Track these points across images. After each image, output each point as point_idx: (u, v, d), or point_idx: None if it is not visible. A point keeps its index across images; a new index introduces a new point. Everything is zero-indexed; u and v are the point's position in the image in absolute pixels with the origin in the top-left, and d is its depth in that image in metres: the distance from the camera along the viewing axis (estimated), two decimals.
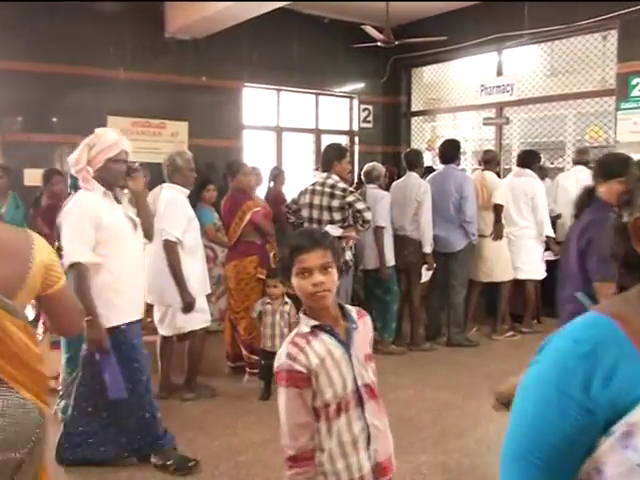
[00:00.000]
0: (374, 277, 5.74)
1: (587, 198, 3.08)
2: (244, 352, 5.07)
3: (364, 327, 2.02)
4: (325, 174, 5.10)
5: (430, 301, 6.20)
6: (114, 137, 3.38)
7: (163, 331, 4.61)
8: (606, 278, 2.51)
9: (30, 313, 4.34)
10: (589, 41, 7.39)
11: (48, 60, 6.75)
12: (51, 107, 6.90)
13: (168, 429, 3.69)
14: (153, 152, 7.48)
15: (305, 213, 5.12)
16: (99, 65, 7.06)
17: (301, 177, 8.13)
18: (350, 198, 4.90)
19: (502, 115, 8.22)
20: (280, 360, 1.89)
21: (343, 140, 9.27)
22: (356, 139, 9.38)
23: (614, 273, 1.10)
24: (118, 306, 3.34)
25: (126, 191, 3.68)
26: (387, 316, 5.78)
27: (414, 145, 9.39)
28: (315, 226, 5.05)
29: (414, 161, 5.92)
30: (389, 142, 9.54)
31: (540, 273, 6.37)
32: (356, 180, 7.73)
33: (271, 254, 5.20)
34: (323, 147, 8.70)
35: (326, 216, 4.99)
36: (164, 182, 6.00)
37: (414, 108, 9.57)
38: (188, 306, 4.37)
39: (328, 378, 1.87)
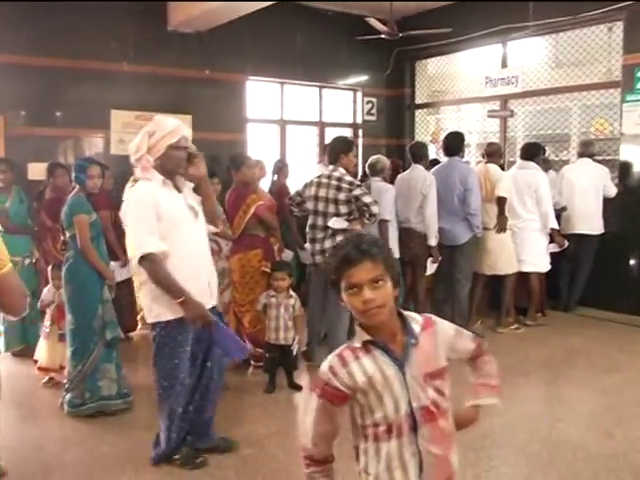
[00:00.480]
0: None
1: None
2: (249, 345, 5.06)
3: (429, 340, 1.81)
4: (331, 167, 5.08)
5: (435, 294, 6.19)
6: (174, 123, 3.31)
7: None
8: None
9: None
10: (594, 33, 7.34)
11: (51, 54, 6.73)
12: (54, 101, 6.89)
13: None
14: None
15: (310, 205, 5.11)
16: (102, 59, 7.03)
17: (305, 170, 8.10)
18: (357, 191, 4.89)
19: (507, 107, 8.19)
20: (322, 369, 1.78)
21: (347, 133, 9.25)
22: (360, 132, 9.34)
23: None
24: None
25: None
26: None
27: (418, 138, 9.35)
28: (320, 219, 5.04)
29: (419, 153, 5.91)
30: (393, 135, 9.51)
31: (544, 266, 6.36)
32: (360, 173, 7.71)
33: (275, 247, 5.20)
34: (327, 140, 8.72)
35: (332, 209, 4.98)
36: None
37: (418, 101, 9.53)
38: None
39: (378, 398, 1.74)
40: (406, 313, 1.83)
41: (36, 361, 4.80)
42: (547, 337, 6.10)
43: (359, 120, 9.32)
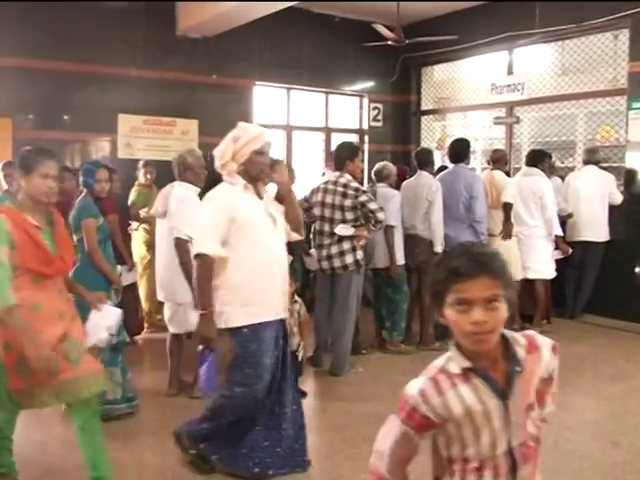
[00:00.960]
0: (384, 276, 5.73)
1: None
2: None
3: (533, 366, 1.60)
4: (337, 173, 5.09)
5: None
6: (258, 130, 3.30)
7: (173, 329, 4.61)
8: None
9: None
10: (600, 40, 7.35)
11: (59, 58, 6.80)
12: (62, 105, 6.94)
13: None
14: (164, 150, 7.52)
15: (317, 212, 5.12)
16: (110, 63, 7.09)
17: (311, 175, 8.12)
18: (363, 198, 4.90)
19: (512, 114, 8.19)
20: (411, 391, 1.58)
21: (353, 139, 9.27)
22: (366, 138, 9.37)
23: None
24: (248, 305, 3.20)
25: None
26: (396, 315, 5.77)
27: (424, 144, 9.37)
28: (326, 225, 5.05)
29: (425, 160, 5.92)
30: (399, 141, 9.53)
31: (550, 273, 6.35)
32: (367, 179, 7.72)
33: None
34: (333, 146, 8.73)
35: (338, 215, 4.99)
36: (174, 180, 6.04)
37: (424, 107, 9.55)
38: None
39: (474, 433, 1.55)
40: (509, 334, 1.59)
41: None
42: None
43: (365, 126, 9.35)
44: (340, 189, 5.00)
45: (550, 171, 6.55)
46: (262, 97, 8.39)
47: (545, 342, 1.66)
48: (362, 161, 5.39)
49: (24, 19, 6.57)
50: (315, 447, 3.72)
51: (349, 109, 9.31)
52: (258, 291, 3.18)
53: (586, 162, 6.96)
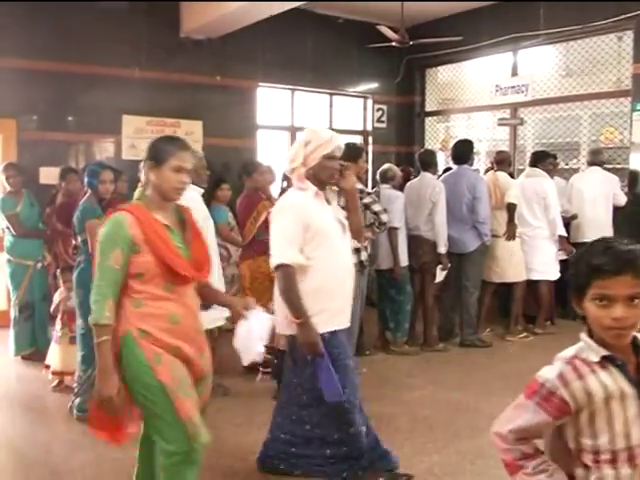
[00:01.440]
0: (387, 277, 5.73)
1: None
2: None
3: None
4: None
5: (443, 302, 6.19)
6: (329, 133, 3.22)
7: None
8: None
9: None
10: (604, 42, 7.36)
11: (64, 59, 6.82)
12: (66, 106, 6.97)
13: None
14: None
15: None
16: (115, 64, 7.11)
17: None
18: (367, 200, 4.90)
19: (517, 116, 8.18)
20: (546, 375, 1.61)
21: (357, 140, 9.27)
22: (370, 139, 9.38)
23: None
24: (325, 312, 3.12)
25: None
26: (400, 316, 5.77)
27: (428, 145, 9.38)
28: None
29: (428, 161, 5.92)
30: (403, 142, 9.54)
31: (554, 274, 6.34)
32: (371, 180, 7.73)
33: None
34: None
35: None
36: None
37: (428, 108, 9.57)
38: (205, 304, 4.38)
39: (608, 422, 1.56)
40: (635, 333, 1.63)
41: (47, 366, 4.82)
42: (556, 346, 5.96)
43: (369, 127, 9.36)
44: None
45: (553, 172, 6.55)
46: (266, 98, 8.39)
47: None
48: (366, 162, 5.37)
49: (28, 20, 6.60)
50: None
51: (353, 110, 9.32)
52: (331, 298, 3.11)
53: (590, 163, 6.95)
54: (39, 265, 5.57)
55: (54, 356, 4.78)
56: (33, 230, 5.57)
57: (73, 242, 4.33)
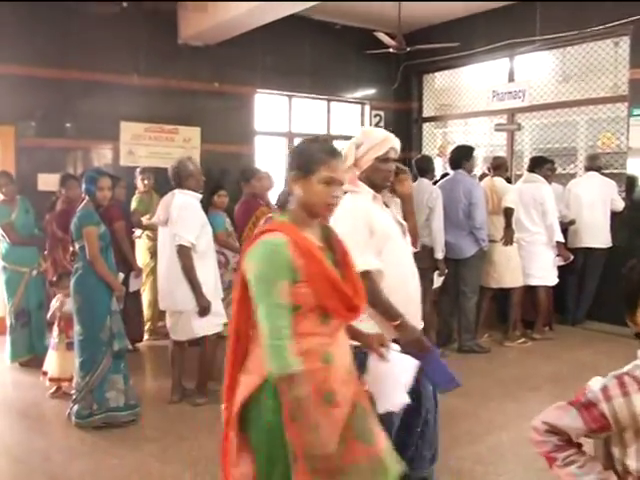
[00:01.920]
0: None
1: None
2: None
3: None
4: None
5: (441, 307, 6.18)
6: (382, 134, 3.04)
7: (176, 336, 4.61)
8: None
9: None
10: (601, 47, 7.38)
11: (61, 66, 6.82)
12: (64, 112, 6.96)
13: None
14: (166, 157, 7.51)
15: None
16: (113, 71, 7.11)
17: None
18: None
19: (514, 121, 8.20)
20: (592, 386, 1.61)
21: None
22: None
23: None
24: None
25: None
26: None
27: (425, 151, 9.39)
28: None
29: (425, 167, 5.92)
30: (400, 148, 9.50)
31: (552, 279, 6.35)
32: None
33: None
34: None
35: None
36: (173, 188, 6.03)
37: (425, 114, 9.58)
38: (204, 310, 4.39)
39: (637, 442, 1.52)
40: None
41: (45, 372, 4.81)
42: (555, 351, 6.08)
43: None
44: None
45: (551, 178, 6.56)
46: (263, 104, 8.40)
47: None
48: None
49: (27, 26, 6.60)
50: None
51: (351, 116, 9.33)
52: (400, 303, 2.92)
53: (587, 169, 6.97)
54: (35, 272, 5.56)
55: (51, 362, 4.78)
56: (28, 237, 5.56)
57: (71, 249, 4.32)
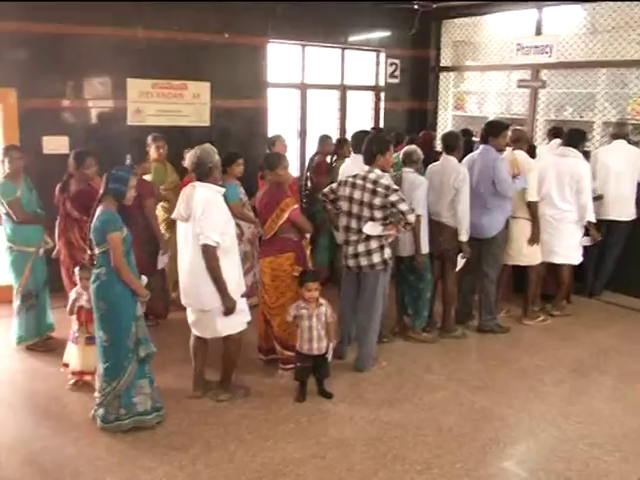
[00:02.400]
0: (408, 264, 5.59)
1: None
2: (277, 347, 5.00)
3: None
4: (367, 168, 4.87)
5: (462, 285, 6.06)
6: None
7: (199, 333, 4.51)
8: None
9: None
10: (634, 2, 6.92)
11: (60, 20, 6.36)
12: (67, 71, 6.55)
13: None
14: (175, 115, 7.25)
15: (344, 207, 4.93)
16: (116, 25, 6.65)
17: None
18: (393, 197, 4.70)
19: (539, 78, 7.81)
20: None
21: (369, 96, 8.96)
22: (382, 95, 8.99)
23: None
24: None
25: None
26: (419, 303, 5.67)
27: (441, 102, 9.04)
28: (354, 221, 4.89)
29: (452, 145, 5.61)
30: (416, 98, 9.15)
31: (577, 258, 6.22)
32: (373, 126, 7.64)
33: (307, 250, 5.04)
34: (348, 103, 8.44)
35: (366, 212, 4.80)
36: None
37: (443, 63, 9.12)
38: (229, 311, 4.27)
39: None
40: None
41: (66, 365, 4.73)
42: (574, 332, 6.04)
43: (382, 83, 8.94)
44: (370, 186, 4.78)
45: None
46: (276, 55, 7.95)
47: None
48: (392, 155, 5.10)
49: None
50: (350, 465, 3.75)
51: (365, 65, 8.88)
52: None
53: (615, 136, 6.70)
54: (41, 251, 5.38)
55: (72, 356, 4.69)
56: (35, 216, 5.34)
57: (89, 252, 4.10)
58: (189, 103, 7.27)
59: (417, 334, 5.74)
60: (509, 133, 5.82)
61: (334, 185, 5.14)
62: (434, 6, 7.07)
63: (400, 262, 5.66)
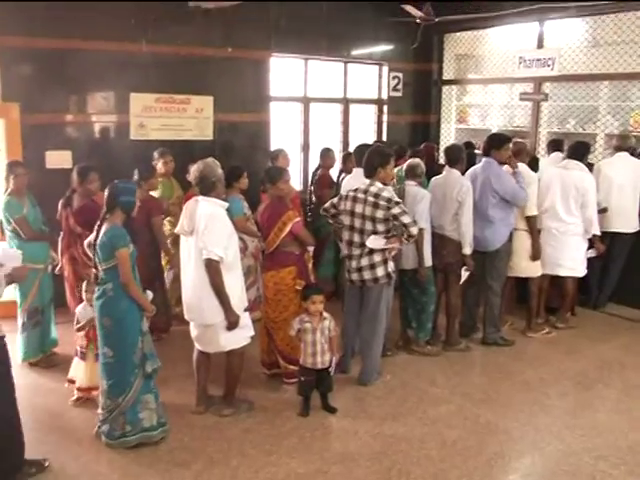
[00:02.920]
0: (411, 277, 5.58)
1: None
2: (281, 361, 4.99)
3: None
4: (368, 181, 4.88)
5: (466, 298, 6.04)
6: None
7: (202, 347, 4.50)
8: None
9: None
10: (637, 16, 6.94)
11: (65, 35, 6.40)
12: (70, 86, 6.59)
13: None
14: (178, 129, 7.27)
15: (346, 221, 4.93)
16: (119, 39, 6.70)
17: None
18: (395, 210, 4.70)
19: (541, 90, 7.83)
20: None
21: (372, 110, 8.98)
22: (385, 108, 9.02)
23: None
24: None
25: None
26: (423, 316, 5.65)
27: (444, 115, 9.05)
28: (356, 235, 4.89)
29: (455, 157, 5.62)
30: (418, 111, 9.17)
31: (582, 271, 6.19)
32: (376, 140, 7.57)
33: (310, 264, 5.04)
34: (351, 118, 8.46)
35: (369, 226, 4.80)
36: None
37: (446, 76, 9.15)
38: (233, 325, 4.26)
39: None
40: None
41: (72, 381, 4.71)
42: (578, 345, 6.01)
43: (384, 96, 8.97)
44: (371, 199, 4.79)
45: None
46: (278, 68, 7.98)
47: None
48: (392, 169, 5.11)
49: None
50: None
51: (368, 78, 8.92)
52: None
53: (617, 149, 6.70)
54: (49, 268, 5.39)
55: (79, 372, 4.65)
56: (41, 233, 5.34)
57: (94, 271, 4.09)
58: (192, 117, 7.30)
59: (421, 347, 5.72)
60: (511, 145, 5.83)
61: (335, 200, 5.14)
62: (436, 20, 7.04)
63: (403, 275, 5.65)
